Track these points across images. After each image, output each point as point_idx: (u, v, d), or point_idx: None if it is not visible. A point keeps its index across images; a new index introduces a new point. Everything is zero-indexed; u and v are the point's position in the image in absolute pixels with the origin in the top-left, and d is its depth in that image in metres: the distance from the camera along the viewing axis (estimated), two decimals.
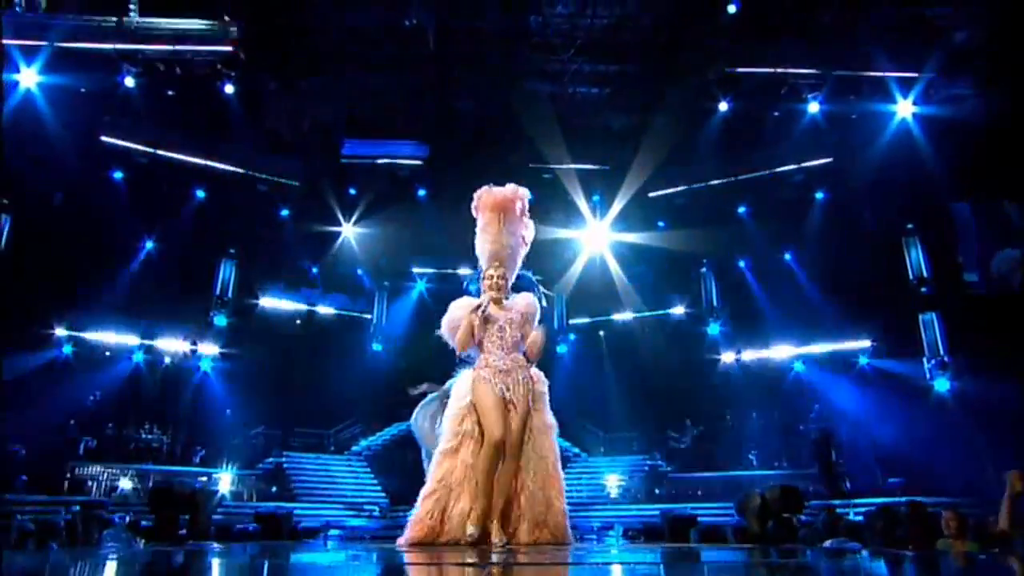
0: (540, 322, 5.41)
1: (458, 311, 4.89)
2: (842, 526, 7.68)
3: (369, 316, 18.22)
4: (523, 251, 5.17)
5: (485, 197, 5.03)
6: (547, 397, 4.93)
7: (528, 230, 5.16)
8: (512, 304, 4.96)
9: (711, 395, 16.60)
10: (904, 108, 13.44)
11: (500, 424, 4.48)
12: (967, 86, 12.45)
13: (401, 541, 4.52)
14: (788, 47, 14.08)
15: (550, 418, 4.89)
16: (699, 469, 15.04)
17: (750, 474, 14.38)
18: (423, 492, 4.57)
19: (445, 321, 4.94)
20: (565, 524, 4.66)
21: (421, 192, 16.76)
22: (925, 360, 13.99)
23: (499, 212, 4.95)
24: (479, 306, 4.81)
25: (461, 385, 4.84)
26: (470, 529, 4.39)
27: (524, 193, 5.09)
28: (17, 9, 11.93)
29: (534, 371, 4.90)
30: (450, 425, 4.72)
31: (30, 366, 13.11)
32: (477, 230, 5.06)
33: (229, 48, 13.61)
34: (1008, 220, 12.82)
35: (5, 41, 11.48)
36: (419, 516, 4.47)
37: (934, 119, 13.14)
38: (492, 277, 4.92)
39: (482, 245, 5.02)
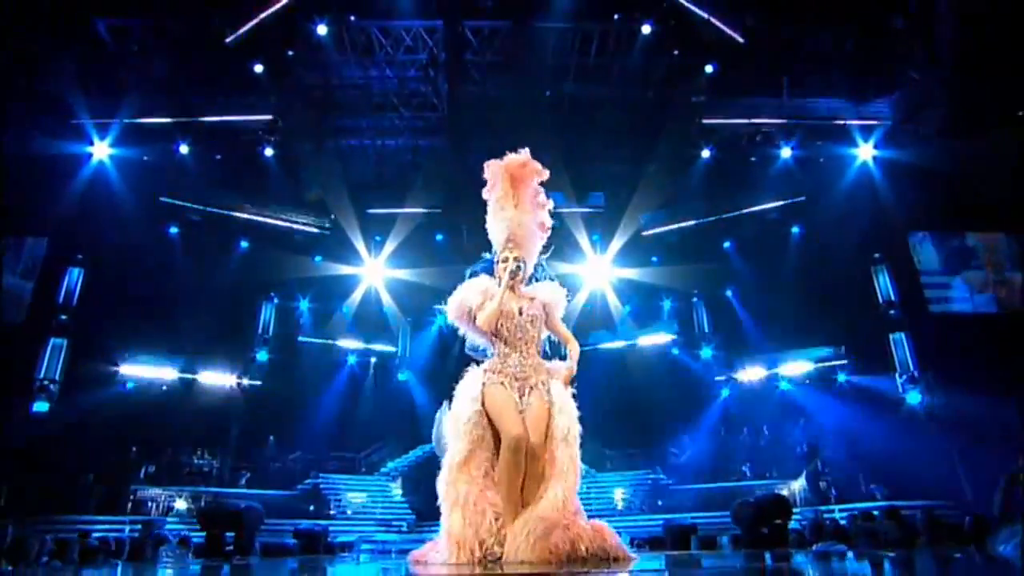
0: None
1: (469, 292, 4.01)
2: (828, 530, 7.70)
3: (394, 349, 18.58)
4: (541, 237, 4.23)
5: (496, 168, 4.16)
6: (571, 403, 3.92)
7: (546, 213, 4.24)
8: (532, 292, 4.07)
9: (706, 413, 16.81)
10: (865, 151, 14.13)
11: (518, 422, 3.66)
12: (918, 132, 13.08)
13: (421, 556, 3.83)
14: (760, 101, 14.85)
15: (573, 426, 3.86)
16: (697, 481, 15.19)
17: (744, 484, 14.48)
18: (451, 523, 3.65)
19: (453, 303, 4.05)
20: (614, 540, 3.68)
21: (439, 237, 17.43)
22: (897, 376, 14.25)
23: (514, 185, 4.13)
24: (507, 259, 3.93)
25: (469, 385, 3.88)
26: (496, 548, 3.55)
27: (539, 166, 4.20)
28: None
29: (555, 385, 3.92)
30: (460, 429, 3.78)
31: (98, 400, 13.64)
32: (489, 210, 4.18)
33: (269, 117, 14.58)
34: (963, 247, 13.33)
35: (84, 121, 12.37)
36: (451, 536, 3.60)
37: (890, 161, 13.79)
38: (508, 260, 3.95)
39: (496, 224, 4.12)
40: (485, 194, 4.22)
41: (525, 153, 4.17)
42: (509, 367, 3.85)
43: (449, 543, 3.63)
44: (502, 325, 3.90)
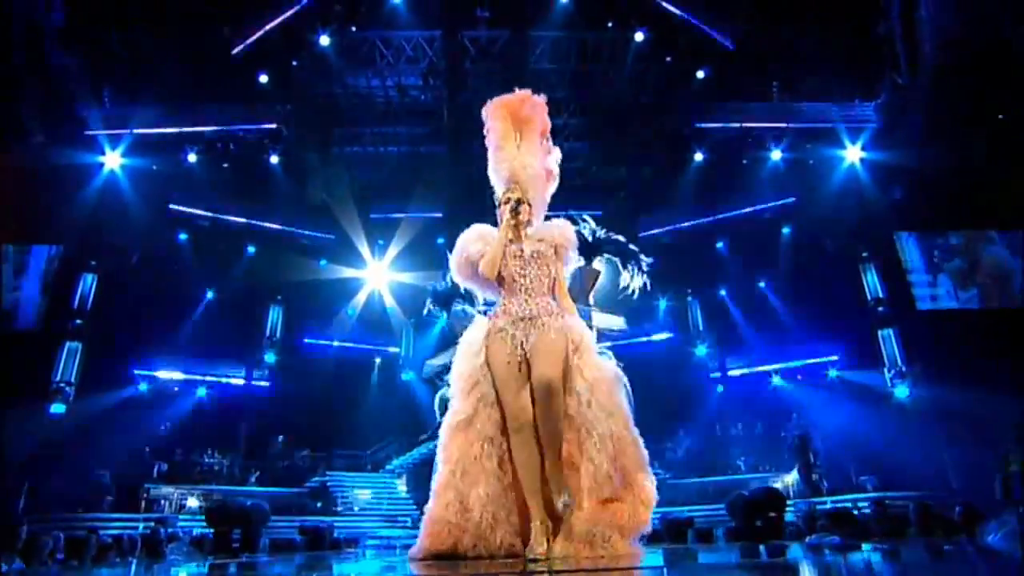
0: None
1: (469, 242, 3.56)
2: (821, 522, 7.61)
3: (398, 350, 18.65)
4: (549, 186, 3.76)
5: (496, 107, 3.74)
6: (594, 349, 3.41)
7: (553, 159, 3.78)
8: (539, 235, 3.56)
9: (702, 409, 16.90)
10: (853, 153, 14.19)
11: (520, 392, 3.18)
12: (903, 135, 13.18)
13: (415, 551, 3.24)
14: (751, 105, 14.99)
15: (607, 366, 3.38)
16: (693, 476, 15.17)
17: (739, 478, 14.50)
18: (437, 483, 3.25)
19: (456, 259, 3.59)
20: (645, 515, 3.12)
21: (440, 240, 17.55)
22: (885, 371, 14.35)
23: (516, 124, 3.70)
24: (509, 200, 3.46)
25: (473, 335, 3.49)
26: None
27: (543, 104, 3.77)
28: None
29: (571, 320, 3.41)
30: (460, 387, 3.38)
31: (113, 402, 13.86)
32: (490, 154, 3.74)
33: (274, 126, 14.70)
34: (946, 245, 13.44)
35: (96, 132, 12.51)
36: (436, 515, 3.15)
37: (877, 163, 13.87)
38: (510, 200, 3.47)
39: (496, 167, 3.67)
40: (487, 140, 3.77)
41: (527, 92, 3.77)
42: (513, 307, 3.35)
43: (426, 520, 3.20)
44: (505, 269, 3.42)
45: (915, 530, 7.24)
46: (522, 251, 3.44)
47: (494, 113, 3.74)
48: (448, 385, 6.10)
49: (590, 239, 5.78)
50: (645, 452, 3.29)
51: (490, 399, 3.30)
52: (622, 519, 3.05)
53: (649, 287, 5.44)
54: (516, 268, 3.40)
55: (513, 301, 3.36)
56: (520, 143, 3.66)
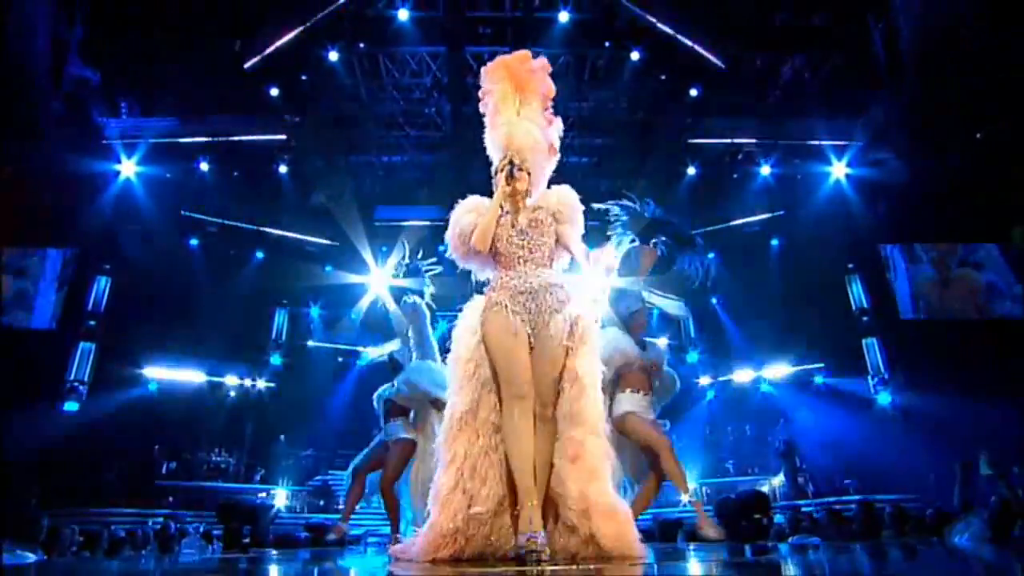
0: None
1: (462, 214, 3.24)
2: (804, 524, 7.96)
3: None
4: (550, 160, 3.41)
5: (495, 67, 3.40)
6: (595, 336, 3.12)
7: (555, 130, 3.44)
8: (537, 203, 3.25)
9: (692, 414, 17.07)
10: (839, 170, 14.52)
11: (524, 376, 2.83)
12: (886, 153, 13.52)
13: (404, 552, 2.93)
14: (741, 122, 15.33)
15: (592, 367, 3.00)
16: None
17: (728, 481, 14.79)
18: (440, 488, 2.86)
19: (451, 235, 3.25)
20: (621, 530, 2.76)
21: (441, 248, 17.75)
22: (869, 378, 14.56)
23: (516, 87, 3.33)
24: (504, 167, 3.13)
25: (470, 316, 3.12)
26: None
27: (546, 66, 3.41)
28: None
29: (575, 294, 3.14)
30: (459, 375, 3.01)
31: (123, 400, 14.02)
32: (486, 119, 3.39)
33: (283, 137, 15.10)
34: (928, 257, 13.75)
35: (113, 141, 12.81)
36: (441, 526, 2.77)
37: (861, 178, 14.22)
38: (506, 169, 3.15)
39: (493, 132, 3.31)
40: (482, 107, 3.41)
41: (527, 53, 3.45)
42: (511, 281, 3.03)
43: (429, 528, 2.83)
44: (500, 241, 3.10)
45: (890, 532, 7.45)
46: (518, 221, 3.15)
47: (492, 74, 3.40)
48: (392, 384, 6.41)
49: (647, 218, 5.59)
50: (612, 461, 2.97)
51: (492, 385, 2.98)
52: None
53: (710, 275, 5.45)
54: (513, 239, 3.10)
55: (511, 274, 3.06)
56: (520, 108, 3.32)
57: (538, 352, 2.93)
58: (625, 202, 5.68)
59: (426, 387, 6.10)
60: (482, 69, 3.45)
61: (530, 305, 2.96)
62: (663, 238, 5.76)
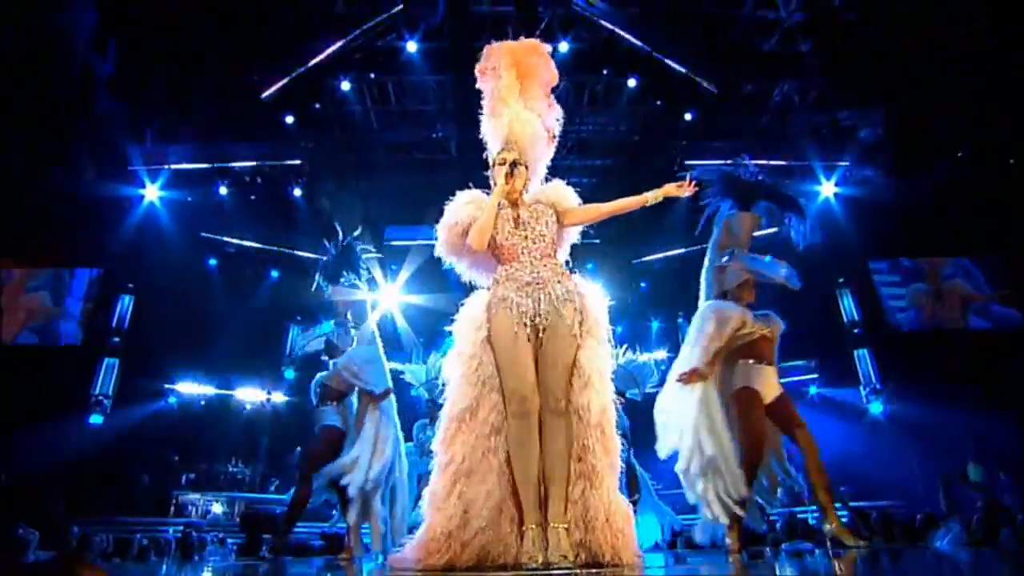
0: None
1: (458, 208, 3.16)
2: (799, 530, 7.99)
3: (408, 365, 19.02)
4: (548, 150, 3.33)
5: (499, 54, 3.20)
6: (603, 329, 2.94)
7: (554, 117, 3.34)
8: (535, 196, 3.17)
9: None
10: (827, 189, 14.85)
11: (529, 381, 2.67)
12: (872, 172, 13.86)
13: (401, 561, 2.71)
14: (734, 144, 15.61)
15: (598, 360, 2.83)
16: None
17: None
18: (437, 489, 2.70)
19: (446, 229, 3.18)
20: (620, 535, 2.59)
21: (448, 266, 18.01)
22: (861, 388, 14.76)
23: (520, 74, 3.18)
24: (504, 161, 3.01)
25: (472, 310, 3.01)
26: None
27: (548, 52, 3.27)
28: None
29: (583, 284, 3.03)
30: (461, 371, 2.84)
31: (145, 414, 14.40)
32: (484, 107, 3.26)
33: (298, 161, 15.55)
34: (914, 272, 14.03)
35: (137, 168, 13.26)
36: (437, 530, 2.61)
37: (849, 197, 14.54)
38: (506, 162, 3.06)
39: (492, 122, 3.23)
40: (481, 83, 3.25)
41: (532, 41, 3.29)
42: (518, 273, 2.91)
43: (423, 537, 2.63)
44: (500, 236, 2.97)
45: (880, 537, 7.63)
46: (518, 216, 3.05)
47: (496, 60, 3.23)
48: (327, 370, 6.41)
49: (748, 182, 5.20)
50: (616, 459, 2.83)
51: (494, 383, 2.81)
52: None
53: (814, 238, 4.87)
54: (514, 231, 3.00)
55: (515, 265, 2.95)
56: (522, 94, 3.20)
57: (548, 343, 2.77)
58: (720, 163, 5.34)
59: (367, 379, 6.13)
60: (486, 48, 3.26)
61: (538, 295, 2.83)
62: (765, 202, 5.38)
